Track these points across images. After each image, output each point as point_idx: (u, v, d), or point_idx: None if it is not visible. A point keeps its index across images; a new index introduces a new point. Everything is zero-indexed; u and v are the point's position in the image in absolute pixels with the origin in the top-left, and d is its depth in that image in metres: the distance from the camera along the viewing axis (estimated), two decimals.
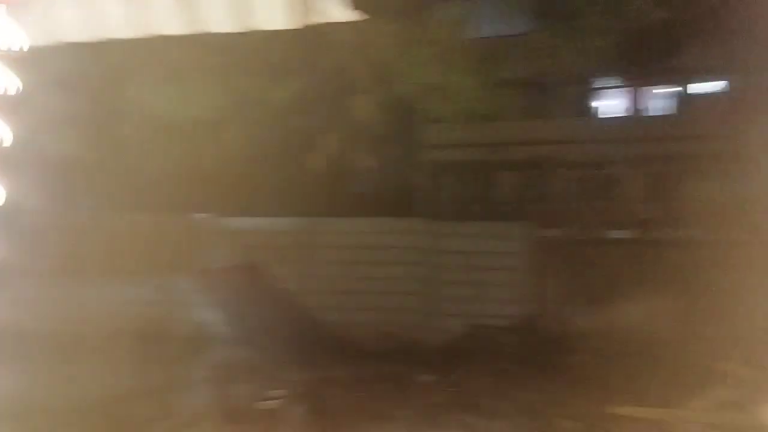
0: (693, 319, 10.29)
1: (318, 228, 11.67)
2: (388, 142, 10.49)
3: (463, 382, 7.89)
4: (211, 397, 7.03)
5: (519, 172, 23.95)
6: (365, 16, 6.67)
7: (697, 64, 17.02)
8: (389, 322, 10.83)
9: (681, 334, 10.00)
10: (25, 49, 4.65)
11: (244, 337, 9.28)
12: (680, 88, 23.47)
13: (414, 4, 7.48)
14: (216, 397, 6.98)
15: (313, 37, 7.30)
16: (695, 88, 23.33)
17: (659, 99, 24.54)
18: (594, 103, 24.93)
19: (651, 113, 24.54)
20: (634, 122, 23.74)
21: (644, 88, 23.50)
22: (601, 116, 24.76)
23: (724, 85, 21.89)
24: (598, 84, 23.70)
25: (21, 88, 4.61)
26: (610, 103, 24.75)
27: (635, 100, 24.07)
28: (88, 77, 10.13)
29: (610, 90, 24.01)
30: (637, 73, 16.44)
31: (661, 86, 23.58)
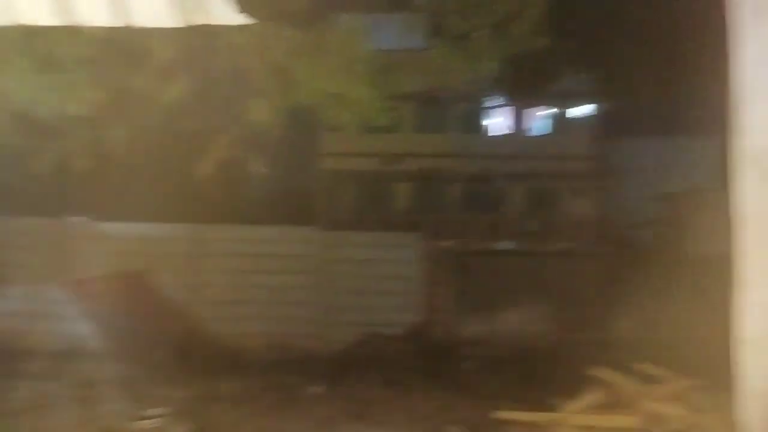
0: (570, 326, 11.03)
1: (207, 235, 11.21)
2: (284, 149, 10.32)
3: (354, 392, 7.86)
4: (80, 417, 6.45)
5: (412, 183, 24.64)
6: (259, 20, 6.53)
7: (574, 89, 18.44)
8: (281, 333, 10.60)
9: (559, 341, 10.68)
10: None
11: (119, 352, 8.66)
12: (560, 111, 25.31)
13: (312, 12, 7.42)
14: (86, 417, 6.41)
15: (203, 38, 7.03)
16: (573, 111, 25.28)
17: (541, 120, 26.30)
18: (483, 121, 26.24)
19: (533, 133, 26.26)
20: (518, 140, 25.28)
21: (528, 109, 25.11)
22: (489, 133, 26.11)
23: (597, 109, 23.88)
24: (487, 103, 24.99)
25: None
26: (498, 122, 26.17)
27: (520, 120, 25.64)
28: None
29: (497, 109, 25.39)
30: (522, 94, 17.51)
31: (543, 108, 25.31)
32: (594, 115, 24.16)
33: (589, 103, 23.06)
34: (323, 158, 23.68)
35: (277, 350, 10.37)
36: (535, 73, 11.50)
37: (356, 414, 6.91)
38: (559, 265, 11.76)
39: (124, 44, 7.17)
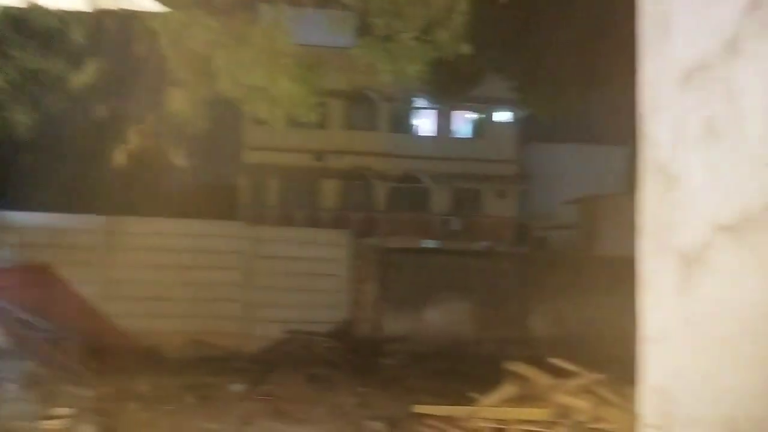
0: (489, 323, 11.40)
1: (124, 227, 10.66)
2: (208, 141, 9.98)
3: (276, 390, 7.77)
4: None
5: (340, 180, 24.62)
6: (178, 8, 6.29)
7: (498, 95, 19.06)
8: (202, 330, 10.30)
9: (479, 337, 11.01)
10: None
11: (23, 348, 8.12)
12: (484, 115, 26.07)
13: (235, 2, 7.23)
14: None
15: (119, 23, 6.68)
16: (496, 116, 26.11)
17: (467, 123, 26.98)
18: (411, 122, 26.60)
19: (459, 135, 26.91)
20: (444, 142, 25.83)
21: (454, 112, 25.71)
22: (416, 134, 26.51)
23: (519, 115, 24.78)
24: (414, 104, 25.36)
25: None
26: (425, 123, 26.63)
27: (446, 123, 26.20)
28: None
29: (424, 111, 25.83)
30: (448, 98, 17.89)
31: (468, 112, 25.97)
32: (516, 121, 25.09)
33: (512, 110, 23.92)
34: (250, 152, 23.19)
35: (198, 348, 10.07)
36: (459, 78, 11.81)
37: (277, 412, 6.84)
38: (480, 264, 12.12)
39: (33, 25, 6.72)
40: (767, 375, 1.29)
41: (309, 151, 23.82)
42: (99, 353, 8.94)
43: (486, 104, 24.17)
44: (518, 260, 12.75)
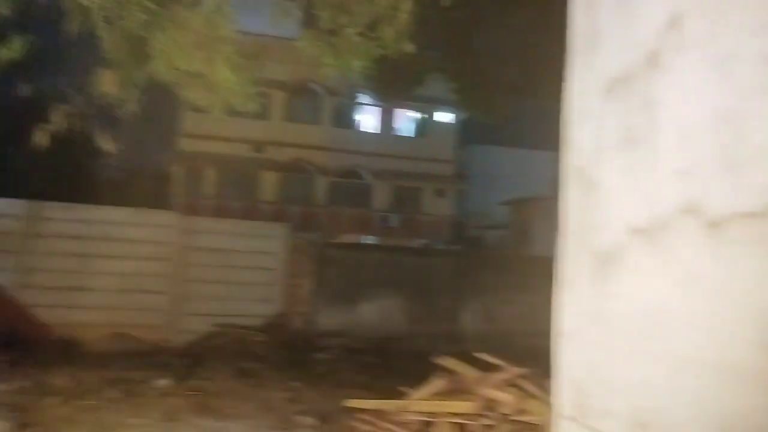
0: (422, 318, 11.57)
1: (44, 213, 10.10)
2: (139, 126, 9.61)
3: (204, 385, 7.60)
4: None
5: (280, 173, 24.26)
6: None
7: (440, 96, 19.34)
8: (127, 323, 9.92)
9: (411, 332, 11.16)
10: None
11: None
12: (426, 115, 26.37)
13: None
14: None
15: None
16: (438, 116, 26.48)
17: (409, 122, 27.21)
18: (353, 117, 26.57)
19: (400, 133, 27.10)
20: (386, 139, 25.96)
21: (396, 111, 25.86)
22: (358, 130, 26.51)
23: (459, 117, 25.22)
24: (357, 100, 25.33)
25: None
26: (367, 119, 26.66)
27: (388, 120, 26.33)
28: None
29: (367, 107, 25.85)
30: (390, 96, 17.99)
31: (411, 110, 26.19)
32: (456, 123, 25.54)
33: (453, 111, 24.33)
34: (186, 140, 22.46)
35: (122, 341, 9.70)
36: (403, 77, 11.90)
37: (204, 407, 6.69)
38: (416, 262, 12.28)
39: None
40: (672, 369, 1.37)
41: (249, 141, 23.34)
42: (15, 345, 8.48)
43: (428, 104, 24.46)
44: (453, 258, 13.00)
